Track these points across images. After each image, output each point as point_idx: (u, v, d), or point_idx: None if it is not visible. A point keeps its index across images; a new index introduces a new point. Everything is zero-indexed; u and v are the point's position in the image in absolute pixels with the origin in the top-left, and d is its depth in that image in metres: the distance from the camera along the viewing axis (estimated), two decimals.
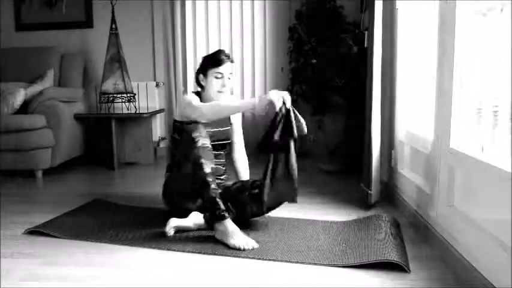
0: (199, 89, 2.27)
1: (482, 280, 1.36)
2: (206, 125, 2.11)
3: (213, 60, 2.16)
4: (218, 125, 2.21)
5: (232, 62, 2.20)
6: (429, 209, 1.91)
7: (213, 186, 1.90)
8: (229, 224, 1.89)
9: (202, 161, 1.90)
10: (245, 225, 2.10)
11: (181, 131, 2.00)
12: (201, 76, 2.20)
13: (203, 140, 1.94)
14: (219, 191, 1.94)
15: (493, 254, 1.33)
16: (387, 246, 1.75)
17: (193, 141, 1.92)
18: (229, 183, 2.21)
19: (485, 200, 1.51)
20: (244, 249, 1.80)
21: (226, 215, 1.90)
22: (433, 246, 1.80)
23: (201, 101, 2.18)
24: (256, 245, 1.84)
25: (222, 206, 1.90)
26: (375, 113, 2.37)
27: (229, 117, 2.30)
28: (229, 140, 2.30)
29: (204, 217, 1.98)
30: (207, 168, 1.90)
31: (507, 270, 1.23)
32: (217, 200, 1.90)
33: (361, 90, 2.93)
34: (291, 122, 1.91)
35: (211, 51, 2.32)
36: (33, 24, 4.23)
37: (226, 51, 2.22)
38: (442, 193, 1.76)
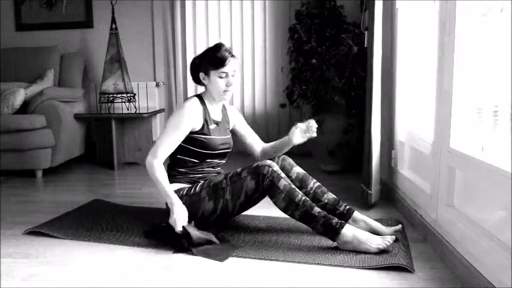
0: (202, 89, 2.14)
1: (482, 280, 1.36)
2: (219, 133, 2.09)
3: (217, 60, 1.99)
4: (224, 133, 2.15)
5: (235, 57, 2.05)
6: (429, 209, 1.91)
7: (313, 204, 1.84)
8: (351, 230, 1.77)
9: (293, 186, 1.86)
10: (241, 224, 2.10)
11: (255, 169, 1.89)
12: (202, 75, 2.06)
13: (280, 170, 1.90)
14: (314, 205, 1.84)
15: (493, 254, 1.33)
16: (393, 249, 1.75)
17: (278, 175, 1.86)
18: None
19: (485, 200, 1.51)
20: (387, 246, 1.73)
21: (343, 222, 1.80)
22: (433, 246, 1.80)
23: (204, 101, 2.09)
24: (392, 236, 1.78)
25: (334, 217, 1.81)
26: (375, 113, 2.37)
27: (228, 124, 2.21)
28: (231, 147, 2.20)
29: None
30: (299, 191, 1.85)
31: (507, 270, 1.23)
32: (326, 213, 1.82)
33: (361, 90, 2.94)
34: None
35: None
36: (33, 24, 4.24)
37: (227, 46, 2.06)
38: (442, 193, 1.76)
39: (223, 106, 2.21)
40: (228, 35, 4.07)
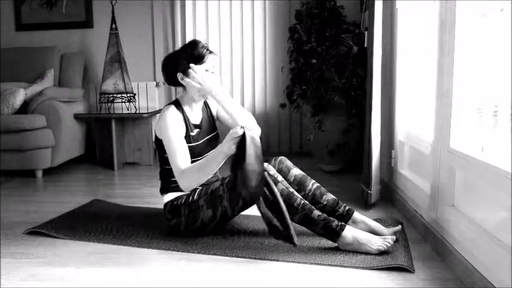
0: (178, 93, 2.05)
1: (482, 280, 1.36)
2: (203, 135, 2.03)
3: (195, 57, 1.92)
4: (209, 132, 2.09)
5: (213, 53, 1.97)
6: (429, 209, 1.91)
7: (313, 207, 1.82)
8: (351, 232, 1.77)
9: (291, 190, 1.84)
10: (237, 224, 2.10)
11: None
12: (179, 75, 1.96)
13: (277, 174, 1.88)
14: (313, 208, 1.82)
15: (493, 254, 1.33)
16: (393, 250, 1.75)
17: (275, 179, 1.83)
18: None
19: (485, 200, 1.51)
20: (388, 247, 1.73)
21: (343, 223, 1.79)
22: (433, 246, 1.80)
23: (182, 106, 2.00)
24: (393, 237, 1.77)
25: (334, 219, 1.79)
26: (375, 113, 2.37)
27: (213, 118, 2.15)
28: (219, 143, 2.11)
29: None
30: (297, 195, 1.83)
31: (507, 270, 1.23)
32: (325, 215, 1.81)
33: (361, 90, 2.94)
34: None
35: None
36: (33, 24, 4.24)
37: (203, 42, 1.98)
38: (442, 193, 1.76)
39: (204, 102, 2.13)
40: (228, 35, 4.07)
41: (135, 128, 3.82)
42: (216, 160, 1.81)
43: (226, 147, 1.76)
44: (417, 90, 2.35)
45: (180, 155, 1.89)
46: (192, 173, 1.86)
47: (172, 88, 4.19)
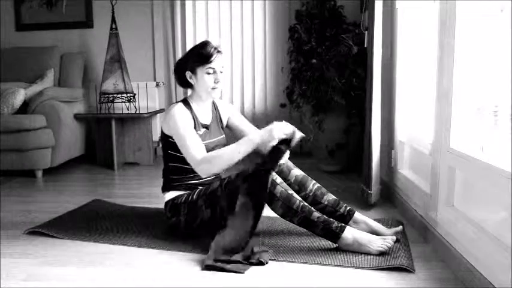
0: (188, 91, 2.07)
1: (482, 280, 1.36)
2: (210, 136, 2.02)
3: (203, 56, 1.94)
4: (217, 134, 2.08)
5: (222, 53, 1.99)
6: (429, 209, 1.91)
7: (313, 208, 1.82)
8: (351, 233, 1.77)
9: (290, 192, 1.82)
10: None
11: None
12: (188, 74, 1.98)
13: (276, 175, 1.86)
14: (313, 209, 1.81)
15: (493, 254, 1.33)
16: (393, 250, 1.75)
17: (273, 181, 1.81)
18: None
19: (485, 200, 1.51)
20: (388, 248, 1.73)
21: (343, 224, 1.79)
22: (433, 246, 1.80)
23: (191, 105, 2.02)
24: (393, 237, 1.77)
25: (334, 221, 1.79)
26: (375, 113, 2.37)
27: (221, 121, 2.14)
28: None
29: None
30: (296, 197, 1.82)
31: (507, 270, 1.23)
32: (325, 217, 1.80)
33: (361, 91, 2.94)
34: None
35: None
36: (33, 24, 4.24)
37: (212, 42, 1.99)
38: (442, 193, 1.76)
39: (213, 103, 2.13)
40: (228, 35, 4.06)
41: (135, 128, 3.82)
42: (245, 145, 1.84)
43: (259, 138, 1.82)
44: (417, 90, 2.35)
45: (194, 146, 1.89)
46: (213, 157, 1.86)
47: (173, 88, 4.18)
